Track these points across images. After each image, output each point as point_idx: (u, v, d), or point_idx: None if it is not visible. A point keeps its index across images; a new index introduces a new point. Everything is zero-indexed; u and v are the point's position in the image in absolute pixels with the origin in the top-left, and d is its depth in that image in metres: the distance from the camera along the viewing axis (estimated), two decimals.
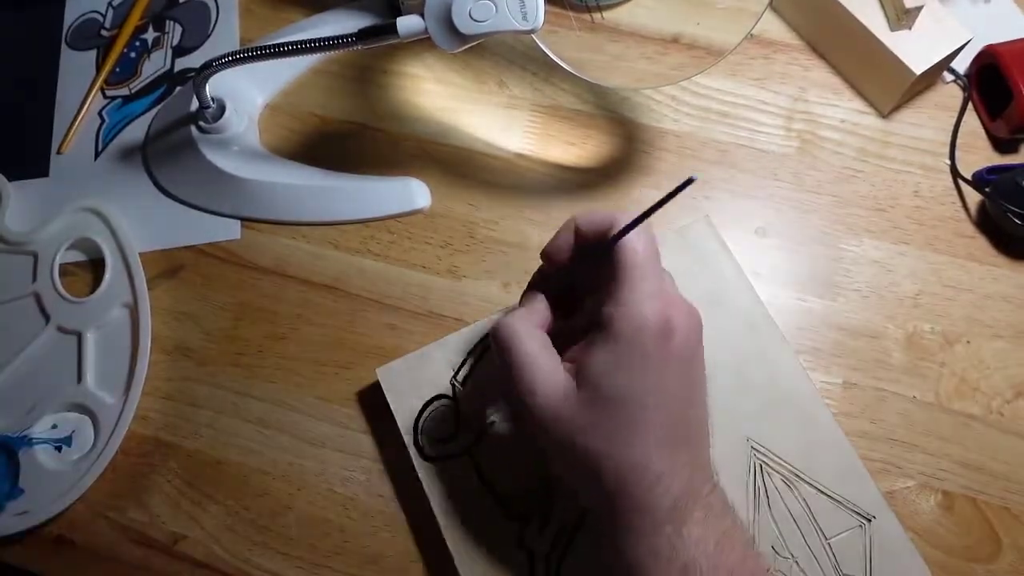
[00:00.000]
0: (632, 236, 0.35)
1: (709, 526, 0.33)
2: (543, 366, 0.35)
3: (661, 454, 0.34)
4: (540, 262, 0.40)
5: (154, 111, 0.58)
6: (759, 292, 0.47)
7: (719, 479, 0.36)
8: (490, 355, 0.46)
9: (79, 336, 0.50)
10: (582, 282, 0.39)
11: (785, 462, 0.44)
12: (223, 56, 0.46)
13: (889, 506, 0.43)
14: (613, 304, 0.34)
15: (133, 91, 0.59)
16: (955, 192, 0.52)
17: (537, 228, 0.52)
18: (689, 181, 0.31)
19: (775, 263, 0.51)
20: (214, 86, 0.51)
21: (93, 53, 0.60)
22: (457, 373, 0.46)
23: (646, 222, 0.35)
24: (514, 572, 0.42)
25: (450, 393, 0.46)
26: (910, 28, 0.50)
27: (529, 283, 0.41)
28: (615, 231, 0.35)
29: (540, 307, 0.38)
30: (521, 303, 0.39)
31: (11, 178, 0.56)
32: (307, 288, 0.52)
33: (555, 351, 0.36)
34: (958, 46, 0.50)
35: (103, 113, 0.58)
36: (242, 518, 0.47)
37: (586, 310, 0.38)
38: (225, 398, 0.49)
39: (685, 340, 0.34)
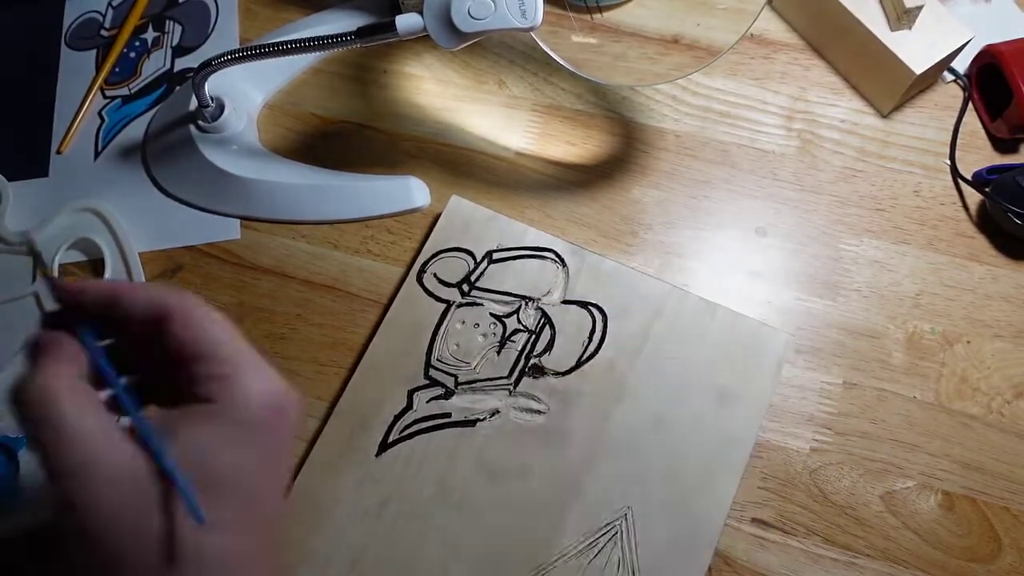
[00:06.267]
0: (210, 325, 0.29)
1: None
2: (101, 443, 0.26)
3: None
4: None
5: (154, 111, 0.58)
6: (759, 292, 0.46)
7: None
8: None
9: None
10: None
11: (636, 554, 0.43)
12: (222, 55, 0.46)
13: None
14: (219, 379, 0.28)
15: (133, 91, 0.59)
16: (955, 192, 0.52)
17: (536, 227, 0.52)
18: None
19: (775, 263, 0.51)
20: (213, 85, 0.51)
21: (93, 53, 0.60)
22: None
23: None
24: None
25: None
26: (910, 28, 0.50)
27: (43, 321, 0.30)
28: (176, 328, 0.28)
29: (72, 350, 0.29)
30: (40, 351, 0.28)
31: (11, 178, 0.56)
32: (307, 288, 0.52)
33: (107, 412, 0.28)
34: (958, 46, 0.50)
35: (103, 113, 0.58)
36: None
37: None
38: None
39: (294, 420, 0.29)
